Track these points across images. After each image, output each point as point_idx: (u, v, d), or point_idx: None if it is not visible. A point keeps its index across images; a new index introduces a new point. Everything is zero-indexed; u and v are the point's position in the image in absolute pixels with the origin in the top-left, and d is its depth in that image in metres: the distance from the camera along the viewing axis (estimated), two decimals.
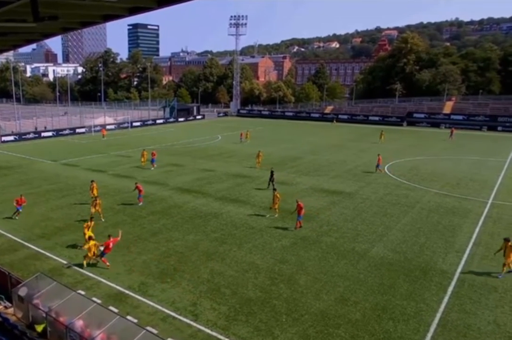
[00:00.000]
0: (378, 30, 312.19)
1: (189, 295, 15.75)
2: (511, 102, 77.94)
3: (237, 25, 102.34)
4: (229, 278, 16.93)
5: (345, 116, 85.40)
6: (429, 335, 13.55)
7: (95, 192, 26.11)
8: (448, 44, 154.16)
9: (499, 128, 70.48)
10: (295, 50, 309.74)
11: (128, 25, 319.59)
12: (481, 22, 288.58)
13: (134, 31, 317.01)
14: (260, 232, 22.01)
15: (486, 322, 14.37)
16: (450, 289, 16.66)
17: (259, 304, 15.00)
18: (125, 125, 71.42)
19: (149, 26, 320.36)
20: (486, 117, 73.87)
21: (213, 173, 36.24)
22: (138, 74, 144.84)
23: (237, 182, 33.36)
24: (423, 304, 15.41)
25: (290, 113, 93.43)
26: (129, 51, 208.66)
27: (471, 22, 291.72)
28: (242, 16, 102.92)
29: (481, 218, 25.29)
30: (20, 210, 24.13)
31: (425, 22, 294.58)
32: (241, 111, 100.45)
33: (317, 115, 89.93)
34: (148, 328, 12.57)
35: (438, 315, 14.73)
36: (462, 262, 19.13)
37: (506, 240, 17.80)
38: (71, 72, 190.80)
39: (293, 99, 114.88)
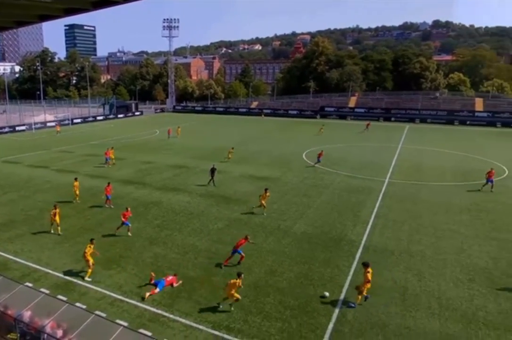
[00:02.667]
0: (294, 34, 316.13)
1: (135, 278, 15.30)
2: (401, 97, 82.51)
3: (170, 27, 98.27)
4: (172, 260, 16.68)
5: (269, 111, 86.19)
6: (342, 295, 14.27)
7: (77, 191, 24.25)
8: (351, 47, 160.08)
9: (392, 118, 74.45)
10: (223, 51, 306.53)
11: (65, 25, 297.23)
12: (376, 29, 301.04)
13: (71, 32, 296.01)
14: (198, 217, 21.85)
15: (386, 280, 15.40)
16: (358, 255, 17.59)
17: (199, 281, 14.95)
18: (66, 122, 66.41)
19: (85, 27, 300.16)
20: (382, 110, 77.71)
21: (153, 165, 35.21)
22: (76, 73, 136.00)
23: (175, 172, 32.69)
24: (337, 270, 16.20)
25: (221, 109, 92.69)
26: (67, 50, 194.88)
27: (369, 29, 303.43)
28: (174, 19, 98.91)
29: (380, 194, 26.78)
30: None
31: (332, 28, 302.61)
32: (177, 107, 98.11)
33: (244, 110, 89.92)
34: (97, 312, 12.19)
35: (349, 278, 15.58)
36: (367, 232, 20.22)
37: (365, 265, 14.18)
38: (8, 71, 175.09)
39: (223, 96, 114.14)
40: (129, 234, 19.28)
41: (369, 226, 21.05)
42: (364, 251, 17.99)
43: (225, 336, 11.71)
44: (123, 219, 19.01)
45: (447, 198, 26.21)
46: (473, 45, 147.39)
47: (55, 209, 19.20)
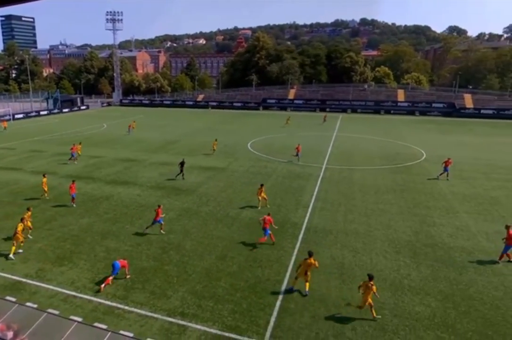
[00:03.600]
0: (236, 29, 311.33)
1: (88, 273, 14.55)
2: (334, 89, 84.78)
3: (113, 20, 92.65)
4: (124, 253, 16.02)
5: (214, 103, 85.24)
6: (287, 274, 14.58)
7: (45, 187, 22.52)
8: (289, 43, 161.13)
9: (327, 109, 76.23)
10: (168, 45, 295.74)
11: (1, 16, 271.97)
12: (311, 25, 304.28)
13: (8, 23, 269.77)
14: (149, 209, 21.04)
15: (325, 257, 15.92)
16: (301, 236, 18.01)
17: (153, 272, 14.58)
18: (7, 118, 60.39)
19: (23, 18, 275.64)
20: (318, 101, 79.33)
21: (102, 159, 33.64)
22: (16, 66, 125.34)
23: (125, 165, 31.43)
24: (282, 251, 16.50)
25: (168, 102, 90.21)
26: (4, 43, 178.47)
27: (305, 26, 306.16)
28: (118, 12, 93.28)
29: (319, 179, 27.54)
30: None
31: (271, 24, 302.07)
32: (124, 101, 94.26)
33: (191, 102, 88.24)
34: (50, 310, 11.62)
35: (293, 258, 15.90)
36: (308, 215, 20.73)
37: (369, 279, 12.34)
38: None
39: (170, 89, 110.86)
40: (162, 232, 17.98)
41: (309, 209, 21.62)
42: (306, 232, 18.48)
43: (180, 322, 11.61)
44: (156, 218, 17.70)
45: (376, 180, 27.52)
46: (395, 41, 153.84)
47: (29, 211, 17.46)
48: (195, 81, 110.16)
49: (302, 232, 18.58)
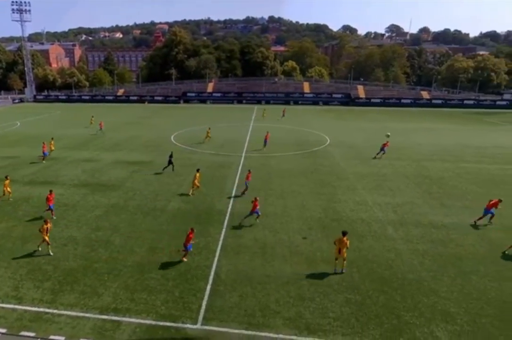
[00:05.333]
0: (153, 24, 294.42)
1: (9, 281, 12.95)
2: (249, 82, 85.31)
3: (20, 11, 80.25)
4: (49, 255, 14.64)
5: (135, 97, 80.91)
6: (216, 259, 14.57)
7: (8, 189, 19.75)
8: (205, 38, 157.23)
9: (244, 101, 76.90)
10: (83, 38, 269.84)
11: None
12: (225, 22, 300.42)
13: None
14: (74, 208, 19.53)
15: (248, 239, 16.19)
16: (226, 222, 17.99)
17: (82, 271, 13.50)
18: None
19: None
20: (235, 94, 79.35)
21: (18, 159, 30.00)
22: None
23: (44, 164, 28.44)
24: (210, 238, 16.37)
25: (87, 97, 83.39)
26: None
27: (219, 21, 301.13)
28: (25, 2, 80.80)
29: (239, 168, 27.66)
30: None
31: (187, 19, 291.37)
32: (38, 97, 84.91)
33: (111, 97, 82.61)
34: None
35: (220, 243, 15.89)
36: (231, 201, 20.77)
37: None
38: None
39: (88, 84, 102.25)
40: (257, 221, 17.87)
41: (232, 196, 21.69)
42: (230, 218, 18.53)
43: (113, 318, 11.01)
44: (253, 209, 17.40)
45: (289, 165, 28.46)
46: (299, 38, 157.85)
47: (47, 224, 14.61)
48: (114, 75, 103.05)
49: (227, 218, 18.61)
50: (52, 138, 32.41)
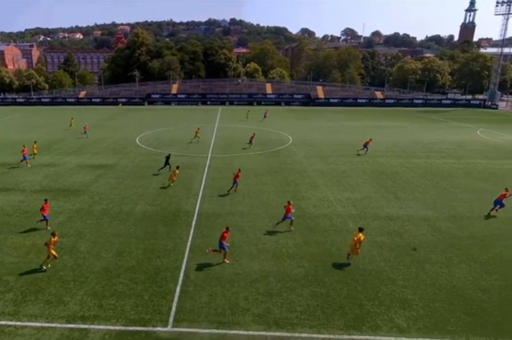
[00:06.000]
0: (114, 25, 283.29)
1: None
2: (213, 83, 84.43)
3: None
4: (10, 265, 13.66)
5: (98, 100, 77.72)
6: (185, 260, 14.30)
7: None
8: (168, 39, 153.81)
9: (208, 102, 75.90)
10: (41, 39, 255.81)
11: None
12: (187, 23, 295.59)
13: None
14: (36, 214, 18.11)
15: (217, 239, 15.53)
16: (193, 223, 17.72)
17: (46, 280, 12.73)
18: None
19: None
20: (199, 95, 78.07)
21: None
22: None
23: (1, 171, 26.52)
24: (178, 239, 16.04)
25: (47, 100, 78.81)
26: None
27: (181, 23, 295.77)
28: None
29: (206, 168, 27.40)
30: None
31: (149, 20, 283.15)
32: None
33: (73, 100, 78.69)
34: None
35: (189, 244, 15.61)
36: (198, 202, 20.46)
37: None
38: None
39: (47, 86, 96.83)
40: (292, 228, 16.97)
41: (199, 196, 21.40)
42: (198, 218, 18.30)
43: (81, 326, 10.49)
44: (286, 214, 16.58)
45: (254, 164, 28.49)
46: (260, 40, 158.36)
47: (54, 237, 13.41)
48: (75, 77, 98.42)
49: (194, 218, 18.34)
50: (35, 142, 30.82)
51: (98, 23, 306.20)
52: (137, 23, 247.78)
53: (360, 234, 13.66)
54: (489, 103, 73.89)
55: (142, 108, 70.87)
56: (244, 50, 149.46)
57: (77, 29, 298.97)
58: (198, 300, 11.85)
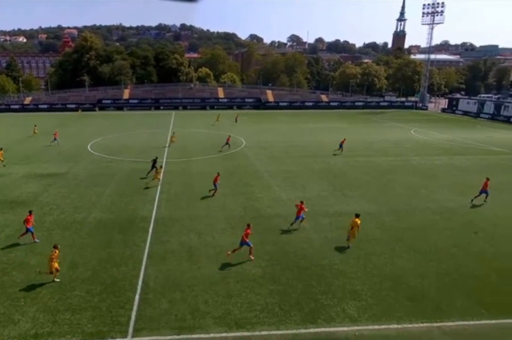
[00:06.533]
0: (61, 28, 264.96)
1: None
2: (166, 88, 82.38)
3: None
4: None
5: (45, 106, 72.49)
6: (143, 267, 13.74)
7: None
8: (118, 44, 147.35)
9: (161, 107, 73.85)
10: None
11: None
12: (137, 28, 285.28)
13: None
14: None
15: (175, 244, 15.50)
16: (150, 229, 17.11)
17: None
18: None
19: None
20: (152, 100, 75.76)
21: None
22: None
23: None
24: (135, 246, 15.40)
25: None
26: None
27: (131, 28, 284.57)
28: None
29: (161, 173, 26.60)
30: None
31: (98, 24, 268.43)
32: None
33: (17, 106, 72.58)
34: None
35: (146, 251, 15.02)
36: (155, 207, 19.80)
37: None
38: None
39: None
40: (301, 224, 17.00)
41: (156, 202, 20.75)
42: (155, 224, 17.70)
43: None
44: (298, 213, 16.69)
45: (210, 167, 28.07)
46: (211, 45, 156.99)
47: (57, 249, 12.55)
48: (19, 82, 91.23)
49: (151, 224, 17.73)
50: (1, 149, 28.14)
51: (43, 26, 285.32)
52: (85, 27, 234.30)
53: (357, 219, 14.86)
54: (420, 104, 79.38)
55: (93, 114, 67.37)
56: (195, 55, 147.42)
57: (20, 32, 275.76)
58: (158, 307, 11.46)
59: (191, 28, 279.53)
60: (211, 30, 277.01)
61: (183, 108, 73.96)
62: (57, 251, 12.54)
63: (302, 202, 17.11)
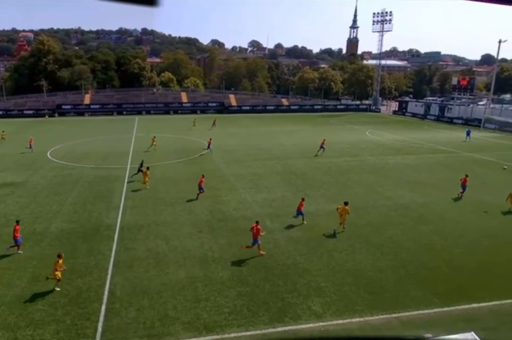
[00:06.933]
0: (15, 31, 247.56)
1: None
2: (128, 93, 79.76)
3: None
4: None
5: (0, 112, 67.61)
6: (108, 276, 13.22)
7: None
8: (77, 48, 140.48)
9: (124, 112, 71.32)
10: None
11: None
12: (97, 32, 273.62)
13: None
14: None
15: (141, 251, 15.06)
16: (116, 236, 16.50)
17: None
18: None
19: None
20: (114, 105, 72.97)
21: None
22: None
23: None
24: (100, 255, 14.80)
25: None
26: None
27: (90, 32, 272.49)
28: None
29: (125, 179, 25.75)
30: None
31: (55, 28, 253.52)
32: None
33: None
34: None
35: (112, 259, 14.47)
36: (120, 214, 19.14)
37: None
38: None
39: None
40: (304, 222, 17.95)
41: (121, 209, 20.05)
42: (121, 232, 17.10)
43: None
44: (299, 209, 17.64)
45: (175, 172, 27.69)
46: (173, 50, 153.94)
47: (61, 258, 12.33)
48: None
49: (116, 232, 17.09)
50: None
51: None
52: (42, 30, 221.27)
53: (346, 207, 16.45)
54: (373, 107, 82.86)
55: (53, 120, 63.80)
56: (157, 60, 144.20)
57: None
58: (126, 316, 11.05)
59: (152, 32, 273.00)
60: (173, 35, 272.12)
61: (146, 113, 71.96)
62: (60, 260, 12.26)
63: (303, 199, 18.12)
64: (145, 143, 39.96)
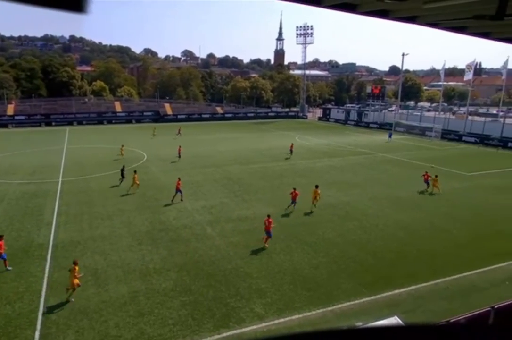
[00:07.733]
0: None
1: None
2: (57, 103, 72.59)
3: None
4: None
5: None
6: (42, 300, 11.92)
7: None
8: None
9: (53, 123, 64.79)
10: None
11: None
12: (20, 38, 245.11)
13: None
14: None
15: (102, 265, 13.93)
16: (49, 256, 14.96)
17: None
18: None
19: None
20: (42, 116, 65.71)
21: None
22: None
23: None
24: (32, 278, 13.25)
25: None
26: None
27: (12, 38, 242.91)
28: None
29: (57, 194, 23.45)
30: None
31: None
32: None
33: None
34: None
35: (45, 281, 13.07)
36: (52, 232, 17.40)
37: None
38: None
39: None
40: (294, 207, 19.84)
41: (53, 226, 18.19)
42: (54, 250, 15.51)
43: None
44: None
45: (111, 184, 25.87)
46: (104, 59, 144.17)
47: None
48: None
49: (49, 251, 15.48)
50: None
51: None
52: None
53: (318, 190, 19.61)
54: (301, 114, 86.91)
55: None
56: (88, 68, 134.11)
57: None
58: None
59: (81, 40, 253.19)
60: (104, 43, 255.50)
61: (78, 124, 66.28)
62: (77, 267, 11.98)
63: (294, 189, 19.96)
64: (78, 154, 36.94)
